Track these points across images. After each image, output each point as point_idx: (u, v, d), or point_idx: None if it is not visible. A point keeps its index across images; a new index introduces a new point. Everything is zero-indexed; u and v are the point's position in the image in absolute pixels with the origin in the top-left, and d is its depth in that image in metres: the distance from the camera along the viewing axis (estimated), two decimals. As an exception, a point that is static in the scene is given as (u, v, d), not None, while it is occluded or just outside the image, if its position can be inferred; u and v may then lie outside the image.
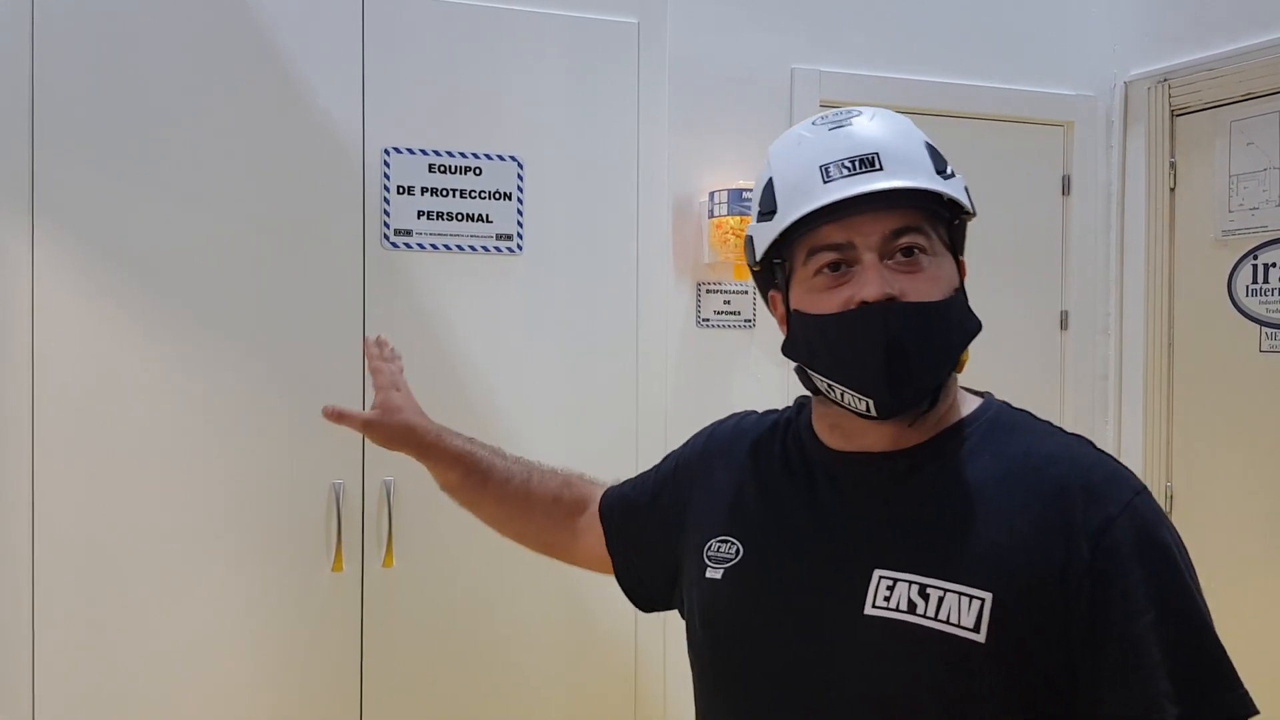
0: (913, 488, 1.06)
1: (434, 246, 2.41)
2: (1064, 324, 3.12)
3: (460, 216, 2.43)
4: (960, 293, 1.06)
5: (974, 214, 1.08)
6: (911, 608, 0.99)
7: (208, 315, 2.26)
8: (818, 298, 1.04)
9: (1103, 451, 1.07)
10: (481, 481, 1.46)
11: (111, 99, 2.20)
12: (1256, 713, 0.98)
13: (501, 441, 2.48)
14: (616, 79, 2.54)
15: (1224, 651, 0.99)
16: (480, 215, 2.44)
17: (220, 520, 2.27)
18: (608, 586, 2.51)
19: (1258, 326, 2.70)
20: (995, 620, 0.96)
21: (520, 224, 2.47)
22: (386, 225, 2.37)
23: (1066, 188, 3.12)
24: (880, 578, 1.02)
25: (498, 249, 2.46)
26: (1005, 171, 3.05)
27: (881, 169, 1.02)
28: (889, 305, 1.00)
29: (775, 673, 1.08)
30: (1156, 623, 0.95)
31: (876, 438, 1.08)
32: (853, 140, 1.04)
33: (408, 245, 2.39)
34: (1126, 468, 1.05)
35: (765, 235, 1.08)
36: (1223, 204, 2.80)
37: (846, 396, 1.05)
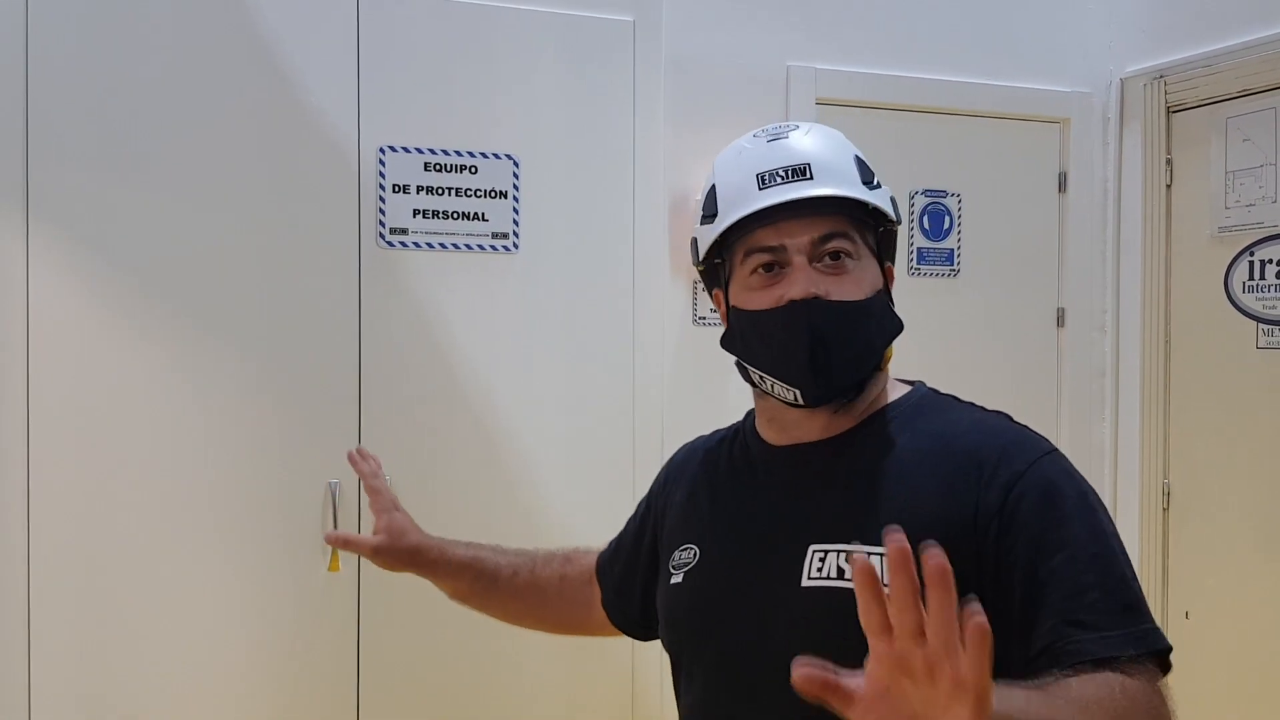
0: (840, 468, 1.15)
1: (430, 245, 2.41)
2: (1060, 321, 3.12)
3: (456, 215, 2.43)
4: (883, 294, 1.15)
5: (899, 222, 1.18)
6: (839, 574, 1.07)
7: (203, 315, 2.26)
8: (753, 295, 1.14)
9: (1019, 424, 1.15)
10: (490, 584, 1.51)
11: (106, 100, 2.19)
12: (1167, 647, 1.01)
13: (500, 439, 2.50)
14: (612, 77, 2.53)
15: (1136, 589, 1.03)
16: (476, 214, 2.44)
17: (216, 520, 2.27)
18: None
19: (1254, 323, 2.70)
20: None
21: (516, 222, 2.47)
22: (382, 224, 2.37)
23: (1063, 185, 3.12)
24: (813, 551, 1.10)
25: (494, 247, 2.46)
26: (1001, 169, 3.05)
27: (812, 179, 1.11)
28: (813, 303, 1.10)
29: (731, 655, 1.16)
30: (1065, 563, 1.01)
31: (809, 428, 1.17)
32: (788, 152, 1.13)
33: (403, 244, 2.39)
34: (1040, 435, 1.13)
35: (707, 236, 1.17)
36: (1219, 201, 2.80)
37: (777, 388, 1.15)
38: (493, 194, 2.45)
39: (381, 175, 2.37)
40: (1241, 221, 2.74)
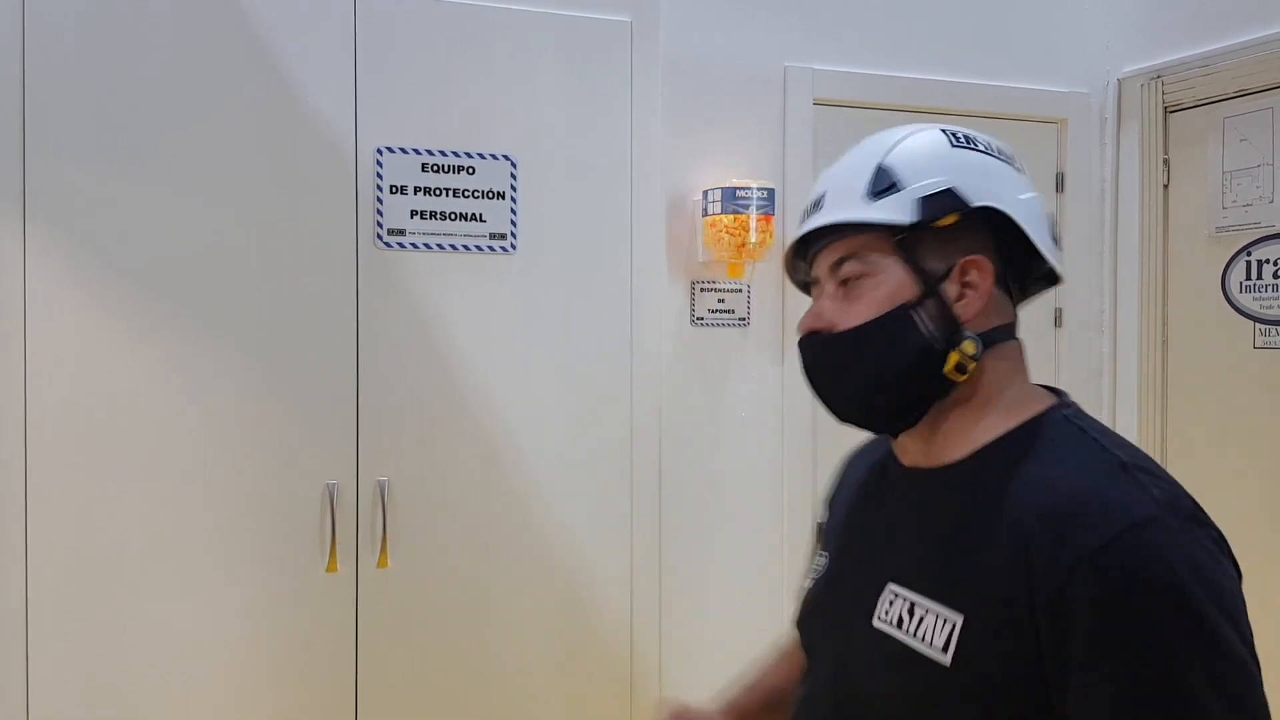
0: (933, 504, 1.02)
1: (427, 246, 2.40)
2: (1058, 321, 3.12)
3: (454, 216, 2.42)
4: (905, 309, 1.02)
5: (925, 221, 1.02)
6: (899, 624, 0.98)
7: (201, 316, 2.26)
8: None
9: (1135, 473, 0.91)
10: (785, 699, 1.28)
11: (103, 99, 2.19)
12: None
13: (498, 440, 2.51)
14: (610, 77, 2.53)
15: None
16: (474, 215, 2.44)
17: (214, 521, 2.27)
18: (602, 587, 2.52)
19: (1252, 323, 2.70)
20: (962, 644, 0.91)
21: (514, 223, 2.47)
22: (380, 225, 2.37)
23: (1060, 185, 3.12)
24: (889, 591, 1.01)
25: (491, 248, 2.45)
26: (999, 169, 3.04)
27: (822, 209, 1.07)
28: (803, 341, 1.08)
29: (822, 674, 1.11)
30: (1122, 687, 0.82)
31: (914, 454, 1.08)
32: (819, 182, 1.11)
33: (401, 245, 2.38)
34: (1130, 495, 0.88)
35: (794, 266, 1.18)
36: (1216, 200, 2.80)
37: None
38: (490, 195, 2.45)
39: (379, 176, 2.37)
40: (1238, 221, 2.74)
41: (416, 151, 2.39)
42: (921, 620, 0.95)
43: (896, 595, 0.99)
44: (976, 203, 1.01)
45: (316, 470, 2.32)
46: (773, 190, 2.61)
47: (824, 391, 1.08)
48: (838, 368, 1.05)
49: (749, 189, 2.56)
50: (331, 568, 2.33)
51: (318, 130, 2.32)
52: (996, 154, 1.07)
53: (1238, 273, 2.74)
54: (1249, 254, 2.71)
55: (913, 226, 1.01)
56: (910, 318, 1.01)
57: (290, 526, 2.31)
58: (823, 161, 2.83)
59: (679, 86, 2.67)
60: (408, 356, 2.39)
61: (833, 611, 1.11)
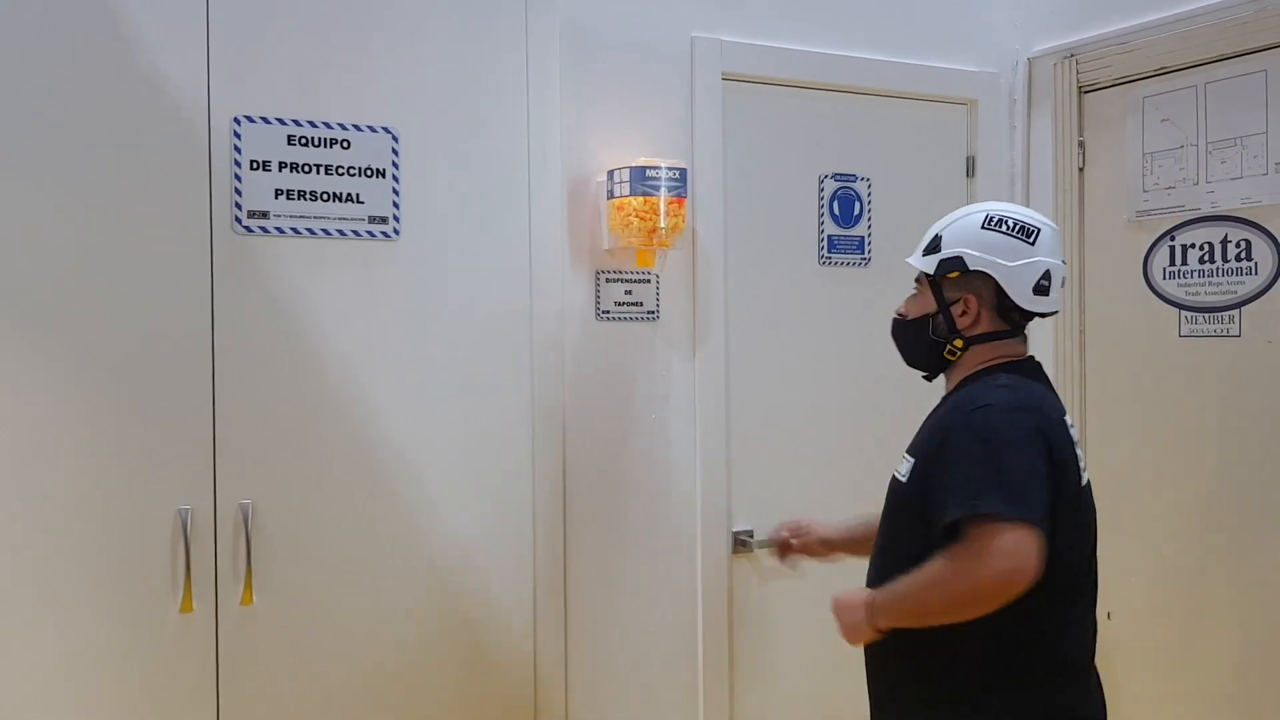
0: (934, 411, 1.84)
1: (295, 231, 2.10)
2: (970, 312, 2.98)
3: (326, 196, 2.12)
4: (931, 316, 1.82)
5: (943, 273, 1.79)
6: (901, 471, 1.78)
7: (29, 316, 1.91)
8: None
9: (993, 389, 1.71)
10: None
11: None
12: (990, 511, 1.55)
13: (381, 454, 2.21)
14: (503, 45, 2.29)
15: (982, 482, 1.58)
16: (349, 195, 2.14)
17: (47, 556, 1.92)
18: (503, 615, 2.25)
19: (1177, 310, 2.60)
20: (912, 472, 1.74)
21: (396, 205, 2.18)
22: (238, 206, 2.05)
23: (971, 170, 2.98)
24: (904, 458, 1.81)
25: (370, 233, 2.16)
26: (909, 152, 2.89)
27: (921, 246, 1.86)
28: (894, 319, 1.92)
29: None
30: (947, 474, 1.65)
31: (946, 388, 1.87)
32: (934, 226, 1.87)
33: (264, 229, 2.07)
34: (987, 397, 1.68)
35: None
36: (1136, 184, 2.69)
37: None
38: (369, 173, 2.15)
39: (237, 150, 2.04)
40: (1160, 205, 2.64)
41: (282, 121, 2.08)
42: (901, 464, 1.78)
43: (903, 458, 1.80)
44: (974, 267, 1.75)
45: (166, 494, 2.00)
46: (684, 170, 2.38)
47: (899, 349, 1.91)
48: (902, 340, 1.91)
49: (659, 168, 2.33)
50: (186, 607, 2.02)
51: (162, 95, 2.00)
52: (1016, 232, 1.75)
53: (1161, 258, 2.63)
54: (1173, 238, 2.61)
55: (934, 273, 1.80)
56: (928, 323, 1.83)
57: (135, 561, 1.98)
58: (733, 141, 2.61)
59: (579, 56, 2.41)
60: (273, 359, 2.08)
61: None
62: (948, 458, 1.63)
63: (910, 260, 1.85)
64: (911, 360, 1.88)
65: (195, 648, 2.03)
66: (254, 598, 2.06)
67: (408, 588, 2.20)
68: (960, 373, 1.80)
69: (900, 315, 1.88)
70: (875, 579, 1.78)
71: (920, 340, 1.83)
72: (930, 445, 1.70)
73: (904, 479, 1.75)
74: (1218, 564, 2.55)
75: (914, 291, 1.88)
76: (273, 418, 2.08)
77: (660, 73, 2.52)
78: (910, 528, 1.71)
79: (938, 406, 1.84)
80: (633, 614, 2.50)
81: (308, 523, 2.11)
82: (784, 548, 2.16)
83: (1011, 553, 1.51)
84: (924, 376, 1.89)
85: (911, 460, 1.75)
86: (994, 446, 1.60)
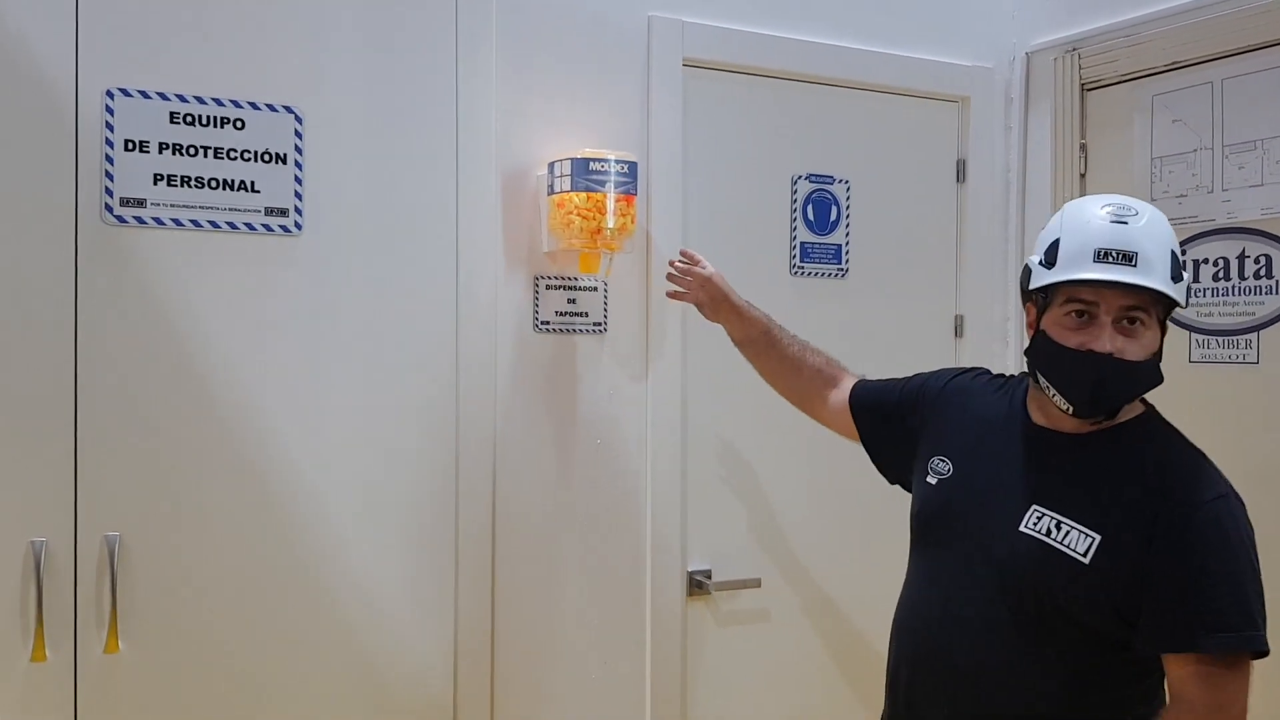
0: (1076, 458, 1.58)
1: (178, 222, 1.86)
2: (959, 330, 2.73)
3: (215, 184, 1.89)
4: (1156, 356, 1.54)
5: (1184, 306, 1.55)
6: (1048, 533, 1.54)
7: None
8: (1064, 332, 1.53)
9: (1206, 460, 1.56)
10: (773, 343, 2.07)
11: None
12: (1256, 649, 1.46)
13: (276, 482, 1.94)
14: (429, 18, 2.06)
15: (1248, 604, 1.45)
16: (243, 183, 1.90)
17: None
18: (418, 672, 1.98)
19: (1187, 333, 2.36)
20: (1098, 553, 1.49)
21: (299, 195, 1.94)
22: (109, 193, 1.82)
23: (961, 174, 2.73)
24: (1034, 509, 1.56)
25: (268, 227, 1.91)
26: (894, 153, 2.64)
27: (1136, 267, 1.48)
28: (1106, 358, 1.49)
29: (958, 552, 1.63)
30: (1191, 580, 1.46)
31: (1065, 424, 1.60)
32: (1125, 238, 1.50)
33: (140, 220, 1.84)
34: (1212, 478, 1.52)
35: (1042, 278, 1.55)
36: (1144, 191, 2.45)
37: (1056, 397, 1.56)
38: (266, 157, 1.91)
39: (109, 127, 1.81)
40: (1171, 215, 2.34)
41: (163, 96, 1.86)
42: (1068, 534, 1.52)
43: (1042, 514, 1.55)
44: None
45: (16, 524, 1.77)
46: (634, 164, 2.12)
47: (1109, 394, 1.53)
48: (1129, 383, 1.54)
49: (606, 161, 2.06)
50: (38, 656, 1.78)
51: (20, 62, 1.75)
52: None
53: (1170, 274, 2.38)
54: (1184, 253, 2.35)
55: (1186, 303, 1.57)
56: (1158, 366, 1.56)
57: (-27, 604, 1.71)
58: (695, 135, 2.35)
59: (518, 34, 2.16)
60: (148, 371, 1.83)
61: (975, 515, 1.63)
62: (1200, 565, 1.45)
63: (1154, 285, 1.47)
64: (1111, 412, 1.56)
65: (49, 702, 1.78)
66: (120, 645, 1.82)
67: (303, 638, 1.94)
68: (1125, 412, 1.58)
69: (1116, 355, 1.49)
70: (1002, 669, 1.56)
71: (1142, 387, 1.56)
72: (1150, 529, 1.47)
73: (1083, 558, 1.49)
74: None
75: (1135, 330, 1.50)
76: (146, 438, 1.83)
77: (612, 56, 2.26)
78: (1078, 621, 1.51)
79: (1098, 452, 1.56)
80: (572, 668, 2.22)
81: (185, 560, 1.85)
82: (672, 276, 2.14)
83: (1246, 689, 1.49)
84: (1099, 421, 1.56)
85: (1096, 537, 1.49)
86: (1252, 558, 1.48)
